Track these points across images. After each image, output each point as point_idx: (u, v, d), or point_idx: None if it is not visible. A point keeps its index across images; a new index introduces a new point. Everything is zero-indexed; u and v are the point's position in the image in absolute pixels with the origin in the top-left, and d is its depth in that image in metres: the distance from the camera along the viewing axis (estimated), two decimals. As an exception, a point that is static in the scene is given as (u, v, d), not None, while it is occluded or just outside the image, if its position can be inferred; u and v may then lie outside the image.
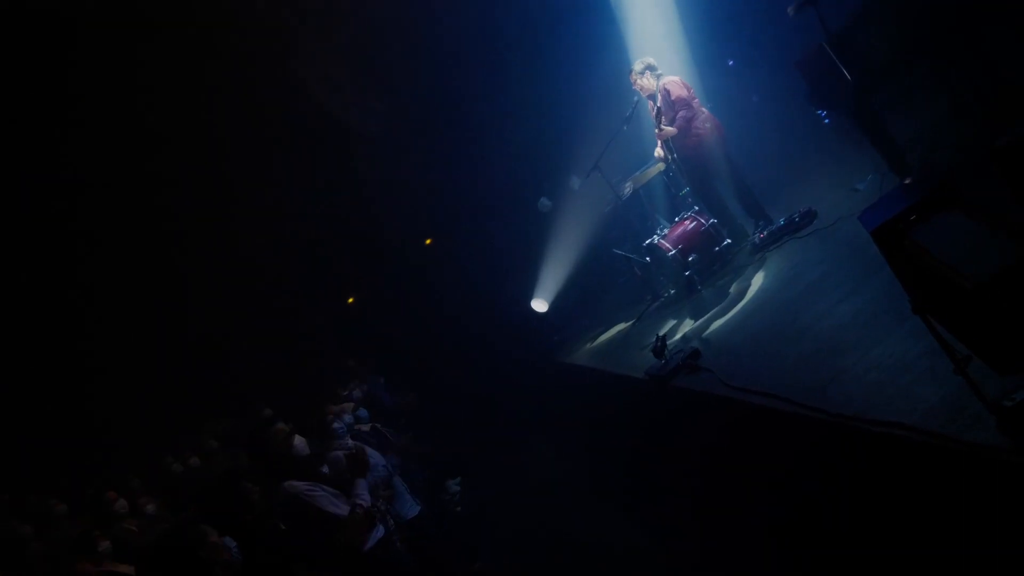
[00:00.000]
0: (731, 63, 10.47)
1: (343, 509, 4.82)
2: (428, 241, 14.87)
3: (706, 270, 7.40)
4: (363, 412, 7.97)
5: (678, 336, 6.68)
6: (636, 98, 7.53)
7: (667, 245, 7.33)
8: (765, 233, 7.12)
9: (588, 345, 9.15)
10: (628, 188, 8.57)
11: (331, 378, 10.10)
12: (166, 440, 8.73)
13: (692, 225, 7.40)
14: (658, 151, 7.60)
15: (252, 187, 11.22)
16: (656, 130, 7.32)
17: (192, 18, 8.76)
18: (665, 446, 6.26)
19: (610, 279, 10.26)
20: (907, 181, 5.39)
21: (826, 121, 8.33)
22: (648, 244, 7.69)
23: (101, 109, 9.04)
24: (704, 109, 7.37)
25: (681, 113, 7.20)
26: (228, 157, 10.61)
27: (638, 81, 7.36)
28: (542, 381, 10.29)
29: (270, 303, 12.43)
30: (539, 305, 10.50)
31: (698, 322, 6.65)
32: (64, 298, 9.95)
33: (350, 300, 15.58)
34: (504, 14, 10.65)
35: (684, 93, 7.25)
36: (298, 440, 5.20)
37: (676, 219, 7.73)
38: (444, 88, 11.44)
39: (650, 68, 7.31)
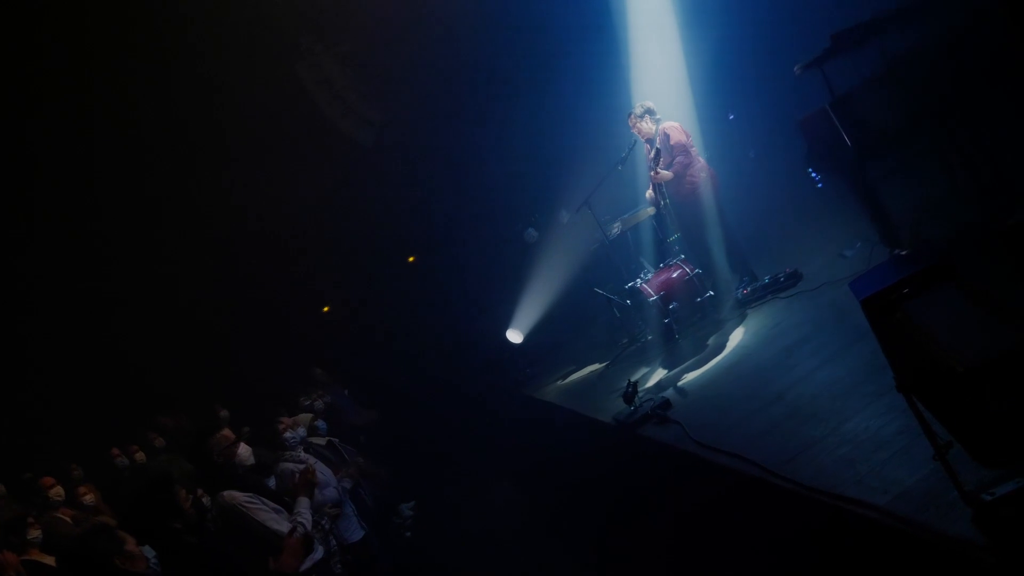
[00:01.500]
0: (732, 116, 10.48)
1: (283, 526, 4.57)
2: (411, 259, 14.71)
3: (686, 320, 7.28)
4: (321, 425, 7.69)
5: (650, 383, 6.55)
6: (633, 140, 7.46)
7: (649, 290, 7.21)
8: (749, 289, 7.06)
9: (559, 382, 8.98)
10: (616, 228, 8.47)
11: (295, 386, 9.83)
12: (123, 430, 8.43)
13: (676, 273, 7.29)
14: (649, 193, 7.51)
15: (242, 183, 11.03)
16: (652, 173, 7.24)
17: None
18: (626, 495, 6.08)
19: (589, 318, 10.12)
20: (902, 252, 5.32)
21: (819, 185, 8.32)
22: (630, 287, 7.58)
23: (95, 104, 8.88)
24: (701, 158, 7.32)
25: (679, 159, 7.14)
26: (221, 153, 10.44)
27: (637, 124, 7.30)
28: (509, 412, 10.09)
29: (246, 303, 12.19)
30: (514, 336, 10.33)
31: (672, 372, 6.52)
32: (33, 272, 9.69)
33: (325, 309, 15.36)
34: (512, 43, 10.62)
35: (683, 139, 7.19)
36: (243, 448, 4.94)
37: (661, 265, 7.63)
38: (443, 108, 11.36)
39: (649, 112, 7.25)
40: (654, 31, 9.36)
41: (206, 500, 4.93)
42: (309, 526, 4.71)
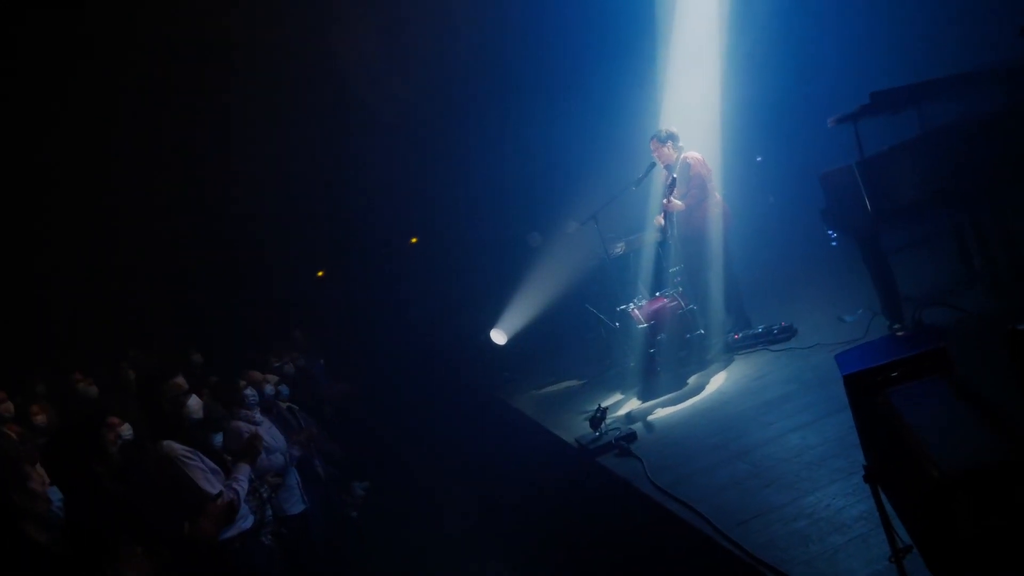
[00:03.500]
0: (759, 159, 10.28)
1: (214, 487, 4.38)
2: (414, 240, 14.57)
3: (671, 354, 7.07)
4: (284, 390, 7.53)
5: (621, 412, 6.37)
6: (652, 163, 7.27)
7: (640, 317, 7.02)
8: (740, 335, 6.89)
9: (533, 392, 8.81)
10: (619, 248, 8.30)
11: (272, 344, 9.67)
12: (99, 357, 8.28)
13: (671, 305, 7.09)
14: (659, 220, 7.32)
15: (257, 146, 10.90)
16: (665, 200, 7.05)
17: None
18: (572, 518, 5.90)
19: (575, 333, 9.93)
20: (899, 332, 5.12)
21: (833, 243, 8.15)
22: (622, 310, 7.39)
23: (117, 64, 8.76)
24: (718, 194, 7.13)
25: (694, 191, 6.96)
26: (233, 115, 10.31)
27: (659, 148, 7.11)
28: (479, 412, 9.93)
29: (241, 261, 12.09)
30: (498, 337, 10.14)
31: (645, 404, 6.36)
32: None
33: (320, 273, 15.23)
34: (548, 48, 10.45)
35: (703, 172, 7.01)
36: (193, 400, 4.74)
37: (656, 294, 7.44)
38: (471, 100, 11.21)
39: (672, 138, 7.07)
40: (695, 58, 9.16)
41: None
42: (242, 495, 4.52)
